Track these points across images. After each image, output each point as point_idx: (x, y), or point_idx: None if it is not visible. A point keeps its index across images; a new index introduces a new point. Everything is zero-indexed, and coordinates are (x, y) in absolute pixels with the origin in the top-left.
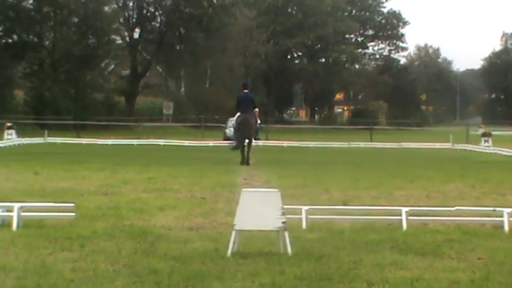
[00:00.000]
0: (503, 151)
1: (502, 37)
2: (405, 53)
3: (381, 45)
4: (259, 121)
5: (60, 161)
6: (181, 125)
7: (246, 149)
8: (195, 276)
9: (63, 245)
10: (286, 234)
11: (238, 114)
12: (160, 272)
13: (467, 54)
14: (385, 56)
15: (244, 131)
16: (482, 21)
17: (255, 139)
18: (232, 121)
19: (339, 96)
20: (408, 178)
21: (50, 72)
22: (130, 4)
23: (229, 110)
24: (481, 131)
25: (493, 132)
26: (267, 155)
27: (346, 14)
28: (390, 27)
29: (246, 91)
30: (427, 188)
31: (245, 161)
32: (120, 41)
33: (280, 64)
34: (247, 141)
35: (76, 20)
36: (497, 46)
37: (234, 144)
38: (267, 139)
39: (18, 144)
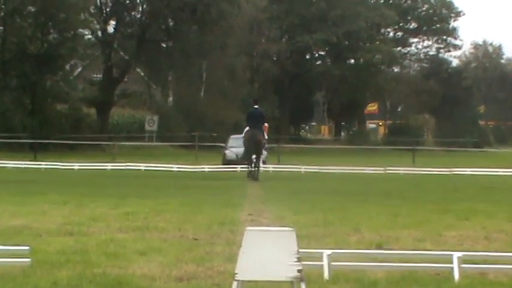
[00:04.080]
0: None
1: None
2: (458, 53)
3: (427, 42)
4: (266, 137)
5: (11, 191)
6: (169, 145)
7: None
8: None
9: None
10: (303, 286)
11: (246, 129)
12: None
13: None
14: (432, 56)
15: (251, 147)
16: None
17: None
18: (233, 138)
19: (372, 107)
20: (462, 214)
21: None
22: None
23: (230, 126)
24: None
25: None
26: (278, 183)
27: (382, 1)
28: (439, 19)
29: (256, 106)
30: (487, 227)
31: (253, 175)
32: (90, 36)
33: (297, 67)
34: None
35: (32, 9)
36: None
37: (242, 155)
38: (278, 162)
39: None
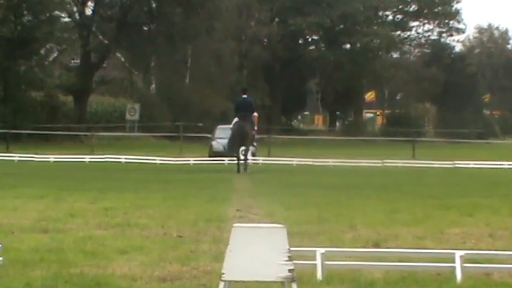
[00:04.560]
0: None
1: None
2: (461, 37)
3: (428, 26)
4: (255, 128)
5: None
6: (151, 135)
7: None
8: None
9: None
10: (295, 286)
11: (235, 120)
12: None
13: None
14: (434, 40)
15: (238, 139)
16: None
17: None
18: (220, 129)
19: (369, 96)
20: (465, 210)
21: None
22: None
23: (217, 115)
24: None
25: None
26: (269, 176)
27: None
28: (441, 1)
29: (244, 96)
30: (491, 223)
31: (241, 167)
32: (67, 19)
33: (289, 52)
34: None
35: None
36: None
37: (226, 148)
38: (269, 155)
39: None
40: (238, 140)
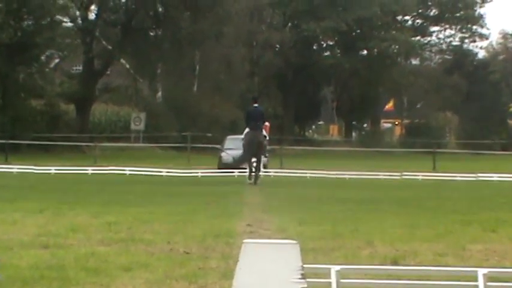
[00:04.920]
0: None
1: None
2: (485, 43)
3: (450, 31)
4: (267, 137)
5: None
6: (157, 146)
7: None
8: None
9: None
10: None
11: (246, 130)
12: None
13: None
14: (456, 46)
15: (252, 149)
16: None
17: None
18: (230, 139)
19: (388, 106)
20: (488, 225)
21: None
22: None
23: (227, 125)
24: None
25: None
26: (281, 190)
27: None
28: (463, 5)
29: (255, 105)
30: None
31: (253, 178)
32: (69, 24)
33: (302, 58)
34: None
35: None
36: None
37: (237, 159)
38: (281, 166)
39: None
40: (251, 150)
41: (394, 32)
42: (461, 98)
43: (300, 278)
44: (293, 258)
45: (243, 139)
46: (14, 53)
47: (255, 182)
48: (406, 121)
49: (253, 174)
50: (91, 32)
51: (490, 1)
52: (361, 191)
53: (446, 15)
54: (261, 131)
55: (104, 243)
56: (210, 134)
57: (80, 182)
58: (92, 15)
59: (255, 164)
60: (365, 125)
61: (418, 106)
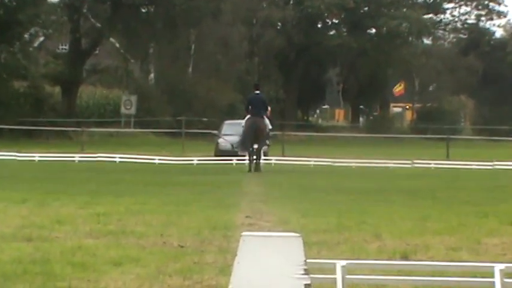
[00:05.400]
0: None
1: None
2: (502, 21)
3: (465, 9)
4: (270, 126)
5: None
6: (149, 132)
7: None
8: None
9: None
10: None
11: (247, 116)
12: None
13: None
14: (471, 25)
15: (252, 136)
16: None
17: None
18: (228, 124)
19: (398, 88)
20: (505, 218)
21: None
22: None
23: (224, 109)
24: None
25: None
26: (283, 179)
27: None
28: None
29: (257, 92)
30: None
31: (253, 168)
32: (55, 0)
33: (306, 38)
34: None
35: None
36: None
37: (236, 146)
38: (283, 154)
39: None
40: (251, 137)
41: (404, 9)
42: (477, 80)
43: (303, 274)
44: (296, 252)
45: (243, 126)
46: None
47: (256, 170)
48: (417, 105)
49: (253, 162)
50: (78, 9)
51: None
52: (369, 181)
53: None
54: (263, 117)
55: (92, 236)
56: (206, 119)
57: (66, 170)
58: None
59: (255, 151)
60: (373, 110)
61: (431, 89)
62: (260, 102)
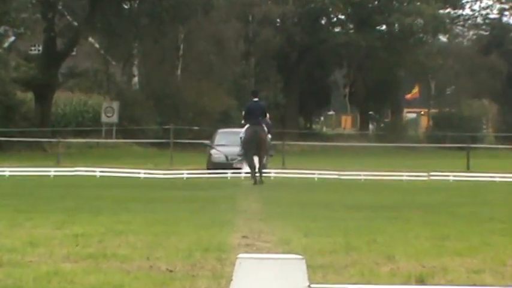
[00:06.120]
0: None
1: None
2: None
3: (486, 2)
4: (270, 136)
5: None
6: (134, 142)
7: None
8: None
9: None
10: None
11: (247, 126)
12: None
13: None
14: (494, 20)
15: (253, 147)
16: None
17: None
18: (222, 133)
19: (413, 93)
20: None
21: None
22: None
23: (217, 116)
24: None
25: None
26: (283, 194)
27: None
28: None
29: (255, 99)
30: None
31: (254, 179)
32: None
33: (308, 36)
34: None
35: None
36: None
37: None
38: (283, 166)
39: None
40: (253, 147)
41: (418, 3)
42: (501, 82)
43: None
44: (298, 276)
45: (241, 137)
46: None
47: (259, 183)
48: (433, 110)
49: (256, 174)
50: (53, 5)
51: None
52: (380, 195)
53: None
54: (263, 126)
55: (69, 260)
56: (197, 127)
57: (41, 186)
58: None
59: (257, 164)
60: (384, 116)
61: (448, 92)
62: (260, 111)
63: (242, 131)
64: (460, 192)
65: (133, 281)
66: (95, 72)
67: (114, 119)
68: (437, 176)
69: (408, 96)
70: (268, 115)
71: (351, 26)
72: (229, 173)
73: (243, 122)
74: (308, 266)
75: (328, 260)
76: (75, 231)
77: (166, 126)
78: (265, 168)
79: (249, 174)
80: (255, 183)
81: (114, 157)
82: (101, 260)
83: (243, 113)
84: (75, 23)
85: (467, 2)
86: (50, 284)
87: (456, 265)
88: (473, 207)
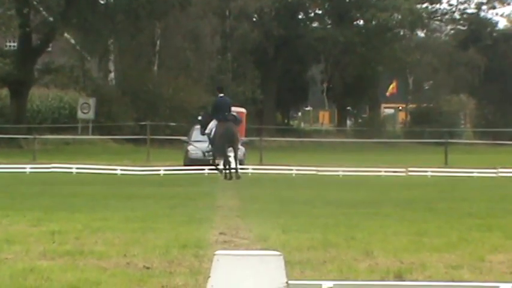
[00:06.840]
0: None
1: None
2: (506, 10)
3: None
4: (243, 138)
5: None
6: (110, 138)
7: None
8: None
9: None
10: None
11: (213, 123)
12: None
13: None
14: (471, 15)
15: (225, 140)
16: None
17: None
18: (199, 130)
19: (391, 89)
20: (511, 232)
21: None
22: None
23: (194, 112)
24: None
25: None
26: (261, 190)
27: None
28: None
29: (221, 95)
30: None
31: (230, 174)
32: None
33: (286, 31)
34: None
35: None
36: None
37: (213, 155)
38: (261, 162)
39: None
40: (226, 142)
41: None
42: (479, 77)
43: None
44: (276, 273)
45: (208, 133)
46: None
47: (236, 178)
48: (411, 106)
49: (231, 169)
50: (28, 1)
51: None
52: (358, 191)
53: None
54: (231, 122)
55: (46, 257)
56: (173, 123)
57: (16, 183)
58: None
59: (231, 159)
60: (362, 111)
61: (426, 88)
62: (227, 106)
63: (209, 127)
64: (438, 188)
65: (110, 278)
66: (71, 68)
67: (91, 115)
68: (415, 171)
69: (388, 93)
70: (243, 110)
71: (328, 21)
72: (206, 169)
73: (199, 118)
74: (286, 262)
75: (306, 256)
76: (52, 228)
77: (143, 123)
78: (242, 164)
79: (217, 171)
80: (230, 178)
81: (91, 153)
82: (77, 257)
83: (210, 108)
84: (51, 19)
85: None
86: (26, 281)
87: (434, 261)
88: (451, 203)
